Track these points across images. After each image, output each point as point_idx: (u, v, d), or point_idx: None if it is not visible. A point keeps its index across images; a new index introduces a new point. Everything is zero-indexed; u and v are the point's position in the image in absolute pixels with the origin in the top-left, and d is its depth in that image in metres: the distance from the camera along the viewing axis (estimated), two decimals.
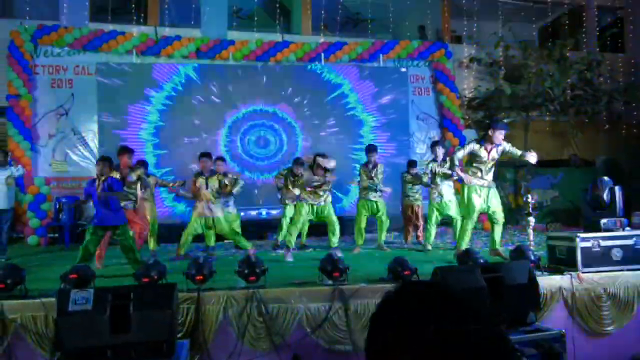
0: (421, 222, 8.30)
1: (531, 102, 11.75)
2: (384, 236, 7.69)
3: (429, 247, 7.32)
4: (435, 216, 7.37)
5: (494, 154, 5.98)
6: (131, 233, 5.92)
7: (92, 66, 10.05)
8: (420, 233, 8.29)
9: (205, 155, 7.08)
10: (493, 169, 6.09)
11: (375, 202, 7.46)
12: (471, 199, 5.99)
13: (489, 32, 12.28)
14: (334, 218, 7.18)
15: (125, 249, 5.64)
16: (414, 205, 8.27)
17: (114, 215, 5.62)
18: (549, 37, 13.64)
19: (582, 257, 4.77)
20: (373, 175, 7.44)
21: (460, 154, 6.20)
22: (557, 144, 13.48)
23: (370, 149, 7.58)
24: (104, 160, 5.71)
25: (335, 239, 7.19)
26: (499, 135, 5.86)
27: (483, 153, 5.94)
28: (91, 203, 5.68)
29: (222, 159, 7.79)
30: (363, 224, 7.53)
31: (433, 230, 7.43)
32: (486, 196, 6.02)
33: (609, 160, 12.61)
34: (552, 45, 12.14)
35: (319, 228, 8.35)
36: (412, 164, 8.20)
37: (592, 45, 13.58)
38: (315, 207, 7.08)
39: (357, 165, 8.37)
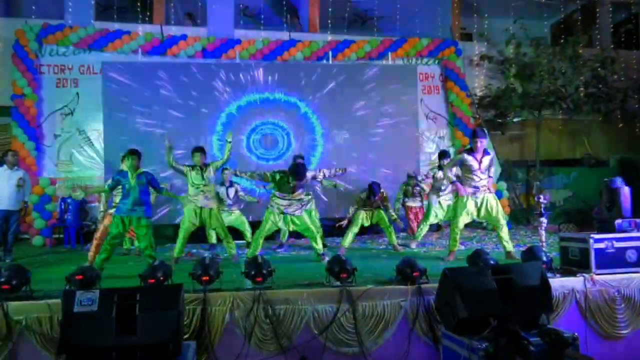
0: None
1: (543, 101, 11.67)
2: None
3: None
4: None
5: (486, 162, 6.25)
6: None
7: (97, 65, 10.12)
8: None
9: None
10: (488, 177, 6.32)
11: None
12: (458, 208, 6.34)
13: (499, 29, 12.21)
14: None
15: (144, 239, 5.93)
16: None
17: (145, 208, 5.93)
18: (562, 33, 13.53)
19: (595, 259, 4.74)
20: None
21: (452, 168, 6.59)
22: (570, 143, 13.40)
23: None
24: (136, 154, 5.98)
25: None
26: (482, 142, 6.19)
27: (474, 162, 6.20)
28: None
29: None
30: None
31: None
32: (480, 205, 6.26)
33: (624, 160, 12.52)
34: (565, 42, 12.05)
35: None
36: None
37: (606, 42, 13.47)
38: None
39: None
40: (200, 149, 6.92)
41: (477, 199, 6.24)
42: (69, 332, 3.32)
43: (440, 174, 7.68)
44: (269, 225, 6.58)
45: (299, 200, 6.58)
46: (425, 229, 7.85)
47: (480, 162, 6.19)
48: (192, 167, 6.76)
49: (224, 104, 10.08)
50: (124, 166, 6.21)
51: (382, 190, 7.51)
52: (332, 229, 9.07)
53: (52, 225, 9.35)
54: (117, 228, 5.85)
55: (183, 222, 6.72)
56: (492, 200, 6.27)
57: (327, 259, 6.32)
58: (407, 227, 8.88)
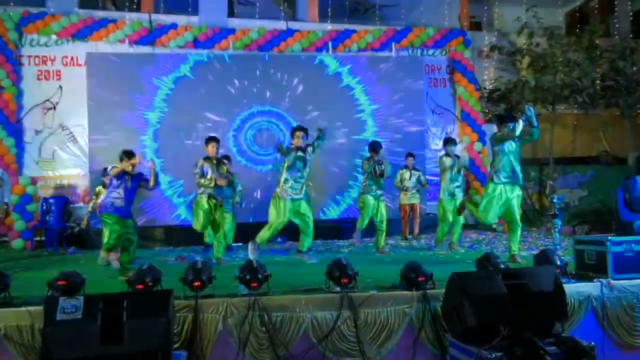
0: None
1: (557, 94, 11.68)
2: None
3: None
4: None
5: None
6: None
7: (81, 56, 10.10)
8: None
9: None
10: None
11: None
12: (487, 199, 6.25)
13: (511, 18, 12.23)
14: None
15: (130, 242, 6.24)
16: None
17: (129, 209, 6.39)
18: (577, 22, 13.55)
19: (613, 263, 4.73)
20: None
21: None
22: (586, 140, 13.41)
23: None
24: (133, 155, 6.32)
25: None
26: None
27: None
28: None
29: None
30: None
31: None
32: (510, 198, 6.19)
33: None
34: (581, 32, 12.08)
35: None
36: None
37: (625, 32, 13.48)
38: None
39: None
40: (215, 139, 6.86)
41: (515, 188, 6.05)
42: (51, 342, 3.32)
43: (447, 161, 7.65)
44: (279, 215, 6.58)
45: (306, 179, 6.70)
46: (444, 229, 7.80)
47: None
48: (207, 159, 6.72)
49: (217, 99, 10.09)
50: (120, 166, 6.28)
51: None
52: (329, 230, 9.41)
53: (33, 227, 9.32)
54: (116, 231, 6.10)
55: (198, 213, 6.66)
56: (519, 195, 6.15)
57: (307, 258, 6.54)
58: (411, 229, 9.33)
